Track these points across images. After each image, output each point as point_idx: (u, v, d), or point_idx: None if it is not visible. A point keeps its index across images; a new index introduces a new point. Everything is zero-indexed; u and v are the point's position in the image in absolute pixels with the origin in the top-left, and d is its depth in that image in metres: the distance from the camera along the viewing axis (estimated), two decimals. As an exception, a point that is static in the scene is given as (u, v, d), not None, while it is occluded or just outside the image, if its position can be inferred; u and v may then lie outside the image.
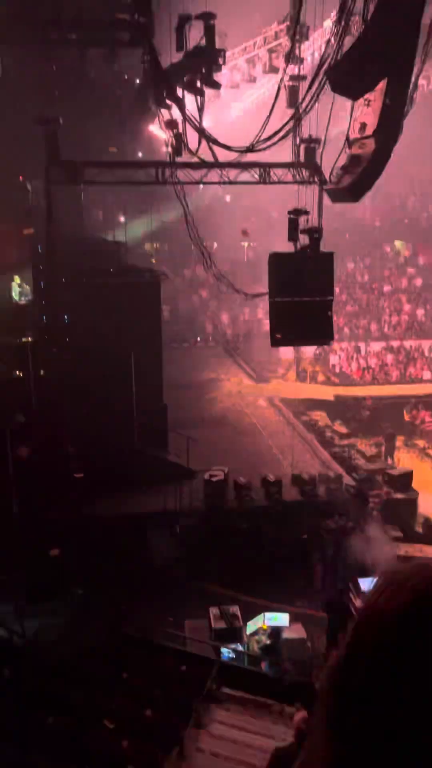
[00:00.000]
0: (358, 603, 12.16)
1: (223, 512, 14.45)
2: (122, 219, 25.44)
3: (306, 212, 13.13)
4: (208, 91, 15.22)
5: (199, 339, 29.21)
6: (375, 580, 0.76)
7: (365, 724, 0.64)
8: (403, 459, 20.38)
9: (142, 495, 14.04)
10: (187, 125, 13.11)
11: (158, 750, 7.33)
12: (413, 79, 11.18)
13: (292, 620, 11.74)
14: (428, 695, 0.63)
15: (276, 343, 14.25)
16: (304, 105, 11.90)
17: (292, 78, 13.68)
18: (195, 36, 12.95)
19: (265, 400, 22.25)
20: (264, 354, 27.09)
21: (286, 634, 11.48)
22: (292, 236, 13.20)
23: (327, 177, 12.70)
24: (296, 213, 13.11)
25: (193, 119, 12.75)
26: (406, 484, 16.81)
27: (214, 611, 11.73)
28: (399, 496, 16.20)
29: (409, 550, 14.09)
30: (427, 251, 36.37)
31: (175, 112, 13.64)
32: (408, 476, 17.14)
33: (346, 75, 10.41)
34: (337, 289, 23.04)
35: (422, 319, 30.88)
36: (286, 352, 25.79)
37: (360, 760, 0.65)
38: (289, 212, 13.25)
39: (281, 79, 13.19)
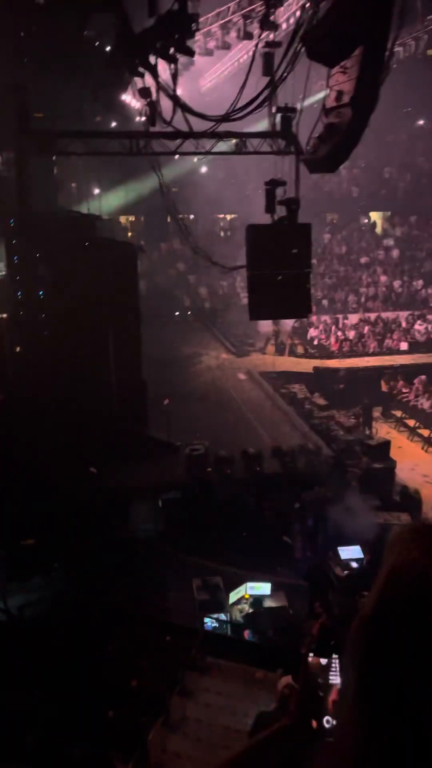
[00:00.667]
0: (337, 571, 12.45)
1: (205, 485, 14.55)
2: (96, 191, 24.96)
3: (283, 183, 13.00)
4: (182, 59, 14.87)
5: (177, 313, 29.00)
6: (402, 534, 0.75)
7: (400, 675, 0.64)
8: (381, 429, 20.67)
9: (123, 470, 14.06)
10: (161, 94, 12.81)
11: (144, 718, 7.46)
12: (389, 45, 11.04)
13: (273, 589, 11.96)
14: None
15: (255, 316, 14.23)
16: (279, 73, 11.68)
17: (268, 44, 13.40)
18: (167, 1, 12.57)
19: (245, 374, 22.29)
20: (243, 328, 27.10)
21: (268, 603, 11.70)
22: (270, 208, 13.09)
23: (304, 147, 12.55)
24: (273, 184, 12.98)
25: (167, 87, 12.46)
26: (384, 453, 17.08)
27: (197, 582, 11.90)
28: (377, 465, 16.45)
29: (387, 518, 14.36)
30: (404, 222, 36.40)
31: (149, 81, 13.32)
32: (386, 446, 17.41)
33: (321, 41, 10.22)
34: (314, 261, 23.06)
35: (399, 291, 31.04)
36: (265, 326, 25.80)
37: (393, 709, 0.64)
38: (266, 183, 13.12)
39: (256, 46, 12.91)
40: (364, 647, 0.70)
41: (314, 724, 1.34)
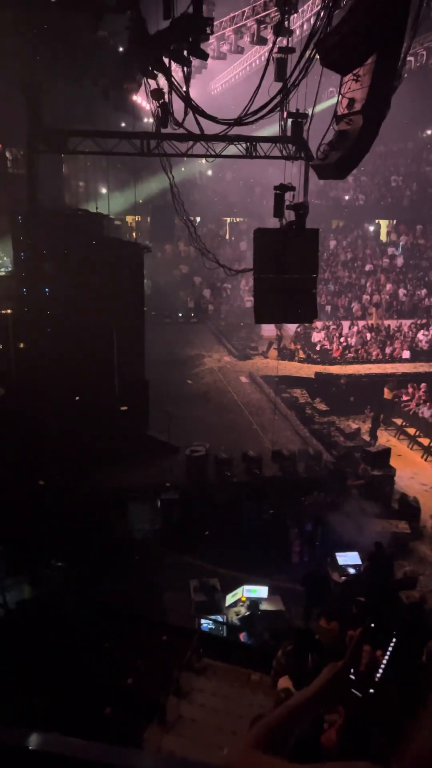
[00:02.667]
0: (335, 577, 12.47)
1: (204, 487, 14.56)
2: (104, 191, 25.01)
3: (292, 188, 13.04)
4: (195, 62, 14.94)
5: (181, 315, 29.06)
6: None
7: None
8: (381, 437, 20.69)
9: (124, 469, 14.08)
10: (174, 96, 12.87)
11: (140, 717, 7.46)
12: (402, 55, 11.10)
13: (270, 593, 11.96)
14: None
15: (260, 320, 14.25)
16: (292, 79, 11.73)
17: (281, 50, 13.46)
18: (182, 4, 12.64)
19: (247, 377, 22.33)
20: (246, 331, 27.16)
21: (264, 606, 11.71)
22: (278, 212, 13.12)
23: (314, 153, 12.60)
24: (282, 189, 13.01)
25: (179, 89, 12.51)
26: (384, 461, 17.11)
27: (194, 584, 11.90)
28: (377, 473, 16.48)
29: (386, 526, 14.39)
30: (409, 231, 36.48)
31: (162, 82, 13.38)
32: (386, 454, 17.43)
33: (335, 49, 10.27)
34: (319, 267, 23.09)
35: (403, 299, 31.10)
36: (268, 330, 25.86)
37: None
38: (275, 188, 13.15)
39: (270, 51, 12.96)
40: None
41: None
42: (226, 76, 33.11)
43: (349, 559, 12.97)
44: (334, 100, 12.30)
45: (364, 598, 10.57)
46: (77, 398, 14.52)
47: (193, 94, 12.87)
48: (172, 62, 12.63)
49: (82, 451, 13.73)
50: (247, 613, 11.57)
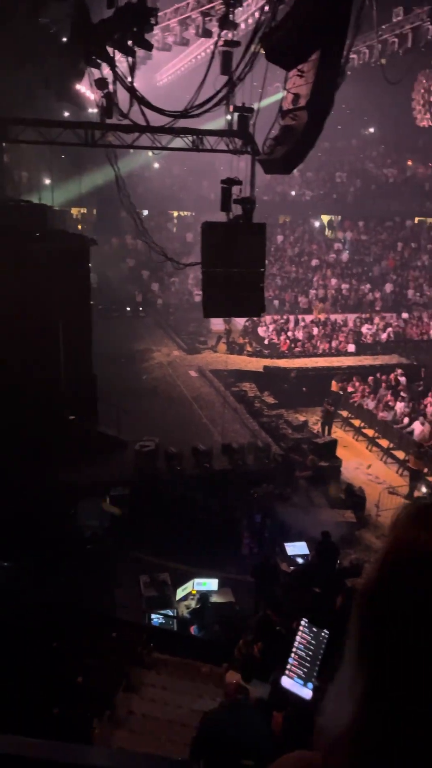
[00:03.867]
0: (284, 567, 12.65)
1: (154, 482, 14.51)
2: (48, 182, 24.46)
3: (239, 182, 13.09)
4: (140, 52, 14.77)
5: (129, 309, 28.78)
6: (404, 512, 0.76)
7: (404, 648, 0.66)
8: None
9: (73, 465, 13.86)
10: (119, 86, 12.69)
11: (89, 714, 7.39)
12: (345, 52, 11.28)
13: (220, 585, 12.05)
14: None
15: (208, 314, 14.28)
16: (237, 72, 11.76)
17: (226, 43, 13.46)
18: (126, -8, 12.47)
19: (196, 371, 22.34)
20: (195, 325, 27.13)
21: (214, 598, 11.79)
22: (225, 206, 13.16)
23: (260, 147, 12.68)
24: (229, 183, 13.05)
25: (123, 80, 12.34)
26: (331, 452, 17.48)
27: (144, 579, 11.88)
28: (324, 464, 16.81)
29: (332, 516, 14.70)
30: (353, 227, 37.23)
31: (106, 72, 13.17)
32: (332, 445, 17.81)
33: (279, 44, 10.35)
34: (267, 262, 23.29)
35: (347, 294, 31.74)
36: (217, 324, 25.93)
37: (398, 682, 0.67)
38: (222, 182, 13.18)
39: (215, 44, 12.94)
40: (363, 624, 0.72)
41: None
42: (172, 68, 32.90)
43: (297, 548, 13.19)
44: (279, 96, 12.40)
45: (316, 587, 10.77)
46: (23, 394, 14.18)
47: (138, 84, 12.74)
48: (116, 52, 12.45)
49: (29, 448, 13.44)
50: (198, 606, 11.62)
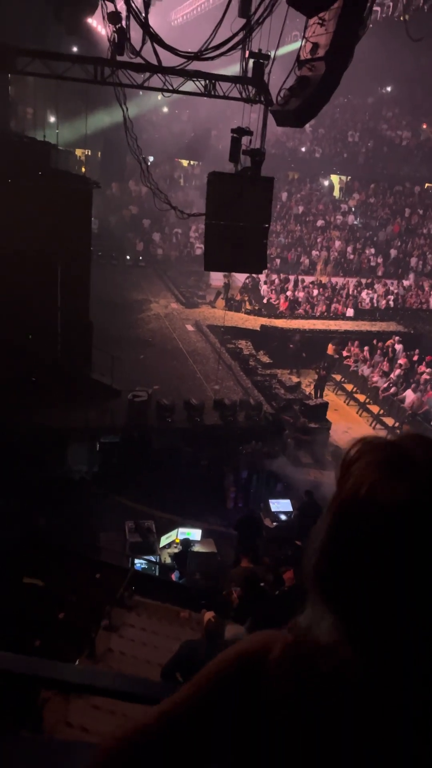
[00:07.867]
0: (267, 522, 12.90)
1: (144, 432, 14.61)
2: (53, 119, 23.74)
3: (249, 132, 12.75)
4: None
5: (128, 257, 28.39)
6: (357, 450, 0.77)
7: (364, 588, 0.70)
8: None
9: (64, 410, 13.91)
10: (132, 22, 12.17)
11: (70, 649, 7.63)
12: (369, 2, 10.84)
13: (204, 536, 12.30)
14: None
15: (209, 266, 14.12)
16: (256, 16, 11.29)
17: (246, -16, 12.85)
18: None
19: (193, 325, 22.23)
20: (195, 279, 26.85)
21: (197, 548, 12.05)
22: (234, 157, 12.84)
23: (274, 98, 12.30)
24: (239, 132, 12.70)
25: (138, 15, 11.84)
26: (321, 414, 17.61)
27: (129, 525, 12.10)
28: (313, 425, 16.96)
29: (318, 476, 14.92)
30: (362, 189, 36.53)
31: (120, 5, 12.61)
32: (323, 407, 17.93)
33: (302, -12, 9.92)
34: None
35: (351, 257, 31.39)
36: (217, 279, 25.67)
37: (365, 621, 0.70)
38: (233, 130, 12.83)
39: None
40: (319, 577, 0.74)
41: None
42: (188, 7, 31.63)
43: (281, 506, 13.44)
44: (297, 44, 11.96)
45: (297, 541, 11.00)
46: (18, 338, 14.08)
47: (152, 22, 12.22)
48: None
49: (22, 389, 13.46)
50: (179, 550, 11.88)
